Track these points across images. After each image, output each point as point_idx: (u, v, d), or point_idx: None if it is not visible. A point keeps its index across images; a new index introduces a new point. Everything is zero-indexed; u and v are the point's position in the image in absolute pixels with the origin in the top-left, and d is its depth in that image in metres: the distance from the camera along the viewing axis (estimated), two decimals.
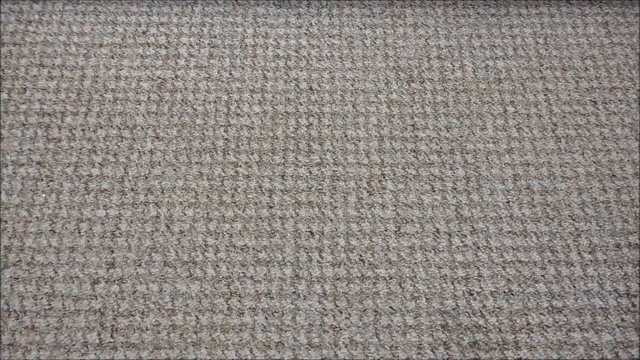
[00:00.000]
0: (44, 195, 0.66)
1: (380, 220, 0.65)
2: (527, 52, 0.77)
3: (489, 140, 0.70)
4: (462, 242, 0.64)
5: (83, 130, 0.70)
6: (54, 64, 0.74)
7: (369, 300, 0.61)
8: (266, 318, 0.59)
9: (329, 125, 0.71)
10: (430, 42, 0.77)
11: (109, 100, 0.72)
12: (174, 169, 0.67)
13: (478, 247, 0.64)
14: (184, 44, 0.76)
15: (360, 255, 0.63)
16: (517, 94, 0.74)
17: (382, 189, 0.67)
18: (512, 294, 0.61)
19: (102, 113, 0.71)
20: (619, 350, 0.58)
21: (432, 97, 0.73)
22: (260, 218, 0.65)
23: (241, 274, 0.62)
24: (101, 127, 0.70)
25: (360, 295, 0.61)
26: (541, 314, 0.60)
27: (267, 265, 0.62)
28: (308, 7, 0.79)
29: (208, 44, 0.76)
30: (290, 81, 0.74)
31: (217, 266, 0.62)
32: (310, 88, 0.73)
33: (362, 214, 0.65)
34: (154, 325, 0.59)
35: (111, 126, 0.70)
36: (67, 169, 0.67)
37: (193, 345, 0.58)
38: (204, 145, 0.69)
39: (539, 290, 0.61)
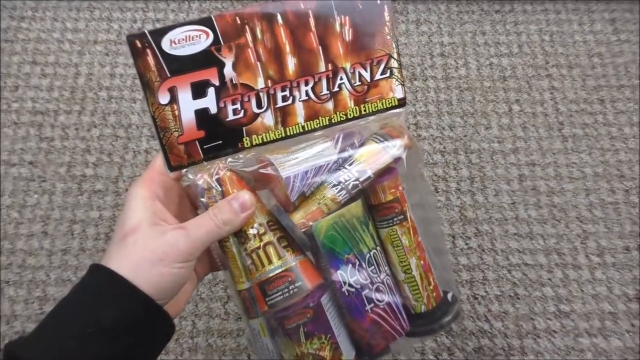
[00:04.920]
0: (36, 196, 0.64)
1: None
2: (532, 49, 0.75)
3: (493, 140, 0.69)
4: (467, 244, 0.62)
5: (77, 129, 0.68)
6: (47, 62, 0.72)
7: None
8: None
9: None
10: (433, 39, 0.76)
11: (104, 99, 0.70)
12: None
13: (483, 250, 0.62)
14: None
15: None
16: (523, 92, 0.72)
17: None
18: (518, 298, 0.60)
19: (96, 111, 0.69)
20: (629, 356, 0.57)
21: (436, 95, 0.71)
22: None
23: None
24: (95, 126, 0.68)
25: None
26: (548, 318, 0.59)
27: None
28: None
29: None
30: None
31: None
32: None
33: None
34: None
35: (105, 125, 0.68)
36: (60, 169, 0.65)
37: (189, 351, 0.56)
38: None
39: (545, 294, 0.60)
